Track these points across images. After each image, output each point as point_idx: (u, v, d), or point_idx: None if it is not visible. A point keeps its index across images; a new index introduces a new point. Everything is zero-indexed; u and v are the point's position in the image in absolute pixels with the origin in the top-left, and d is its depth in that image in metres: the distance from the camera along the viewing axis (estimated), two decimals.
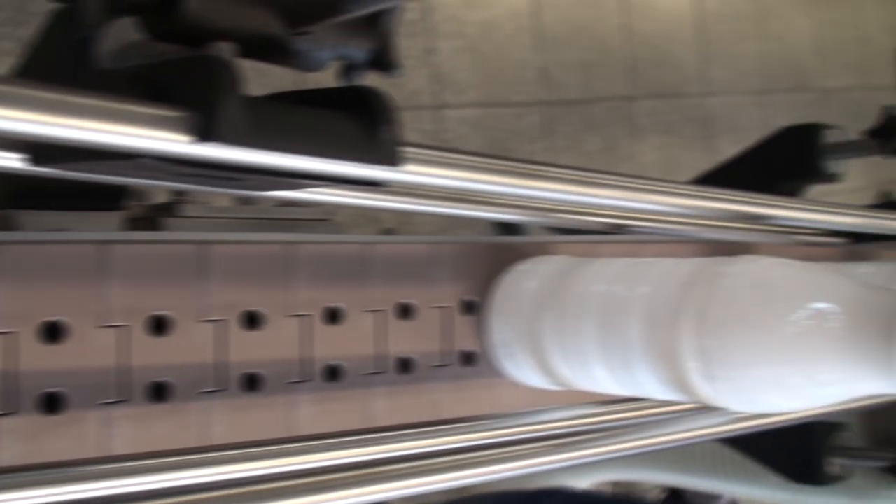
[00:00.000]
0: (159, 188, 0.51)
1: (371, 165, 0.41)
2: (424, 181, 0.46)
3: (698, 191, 0.64)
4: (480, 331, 0.68)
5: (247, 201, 0.67)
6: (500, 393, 0.70)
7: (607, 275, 0.63)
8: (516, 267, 0.69)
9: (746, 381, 0.55)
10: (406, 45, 1.90)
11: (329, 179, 0.40)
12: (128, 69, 0.39)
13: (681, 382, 0.58)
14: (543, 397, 0.72)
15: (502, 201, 0.62)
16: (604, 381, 0.63)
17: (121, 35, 0.42)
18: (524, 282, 0.67)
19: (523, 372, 0.67)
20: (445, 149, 0.47)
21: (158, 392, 0.52)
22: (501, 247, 0.70)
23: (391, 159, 0.41)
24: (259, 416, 0.57)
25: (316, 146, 0.39)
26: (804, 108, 3.05)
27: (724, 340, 0.55)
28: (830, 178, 1.16)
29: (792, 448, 1.18)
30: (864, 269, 0.98)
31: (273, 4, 0.42)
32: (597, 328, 0.61)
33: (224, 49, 0.42)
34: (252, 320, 0.56)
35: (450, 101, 2.00)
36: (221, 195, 0.56)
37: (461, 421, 0.59)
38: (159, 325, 0.53)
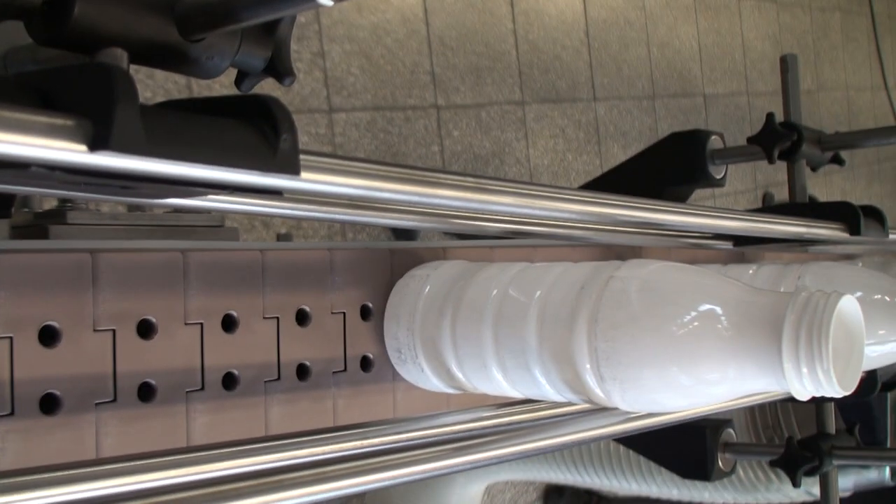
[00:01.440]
0: (49, 196, 0.50)
1: (271, 174, 0.40)
2: (324, 189, 0.46)
3: (590, 196, 0.65)
4: (378, 336, 0.68)
5: (138, 208, 0.66)
6: (398, 398, 0.70)
7: (503, 279, 0.64)
8: (412, 272, 0.70)
9: (637, 381, 0.56)
10: (297, 48, 1.89)
11: (228, 188, 0.40)
12: (15, 76, 0.38)
13: (575, 384, 0.59)
14: (441, 401, 0.72)
15: (399, 207, 0.62)
16: (501, 383, 0.64)
17: (7, 40, 0.41)
18: (420, 286, 0.68)
19: (421, 376, 0.68)
20: (344, 157, 0.47)
21: (47, 405, 0.51)
22: (398, 252, 0.70)
23: (291, 168, 0.41)
24: (151, 426, 0.56)
25: (214, 155, 0.39)
26: (688, 113, 3.13)
27: (615, 342, 0.56)
28: (716, 182, 1.19)
29: (682, 445, 1.22)
30: (746, 271, 1.01)
31: (166, 10, 0.42)
32: (494, 332, 0.62)
33: (116, 55, 0.41)
34: (146, 330, 0.56)
35: (342, 104, 1.99)
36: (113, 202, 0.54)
37: (358, 427, 0.59)
38: (51, 336, 0.51)
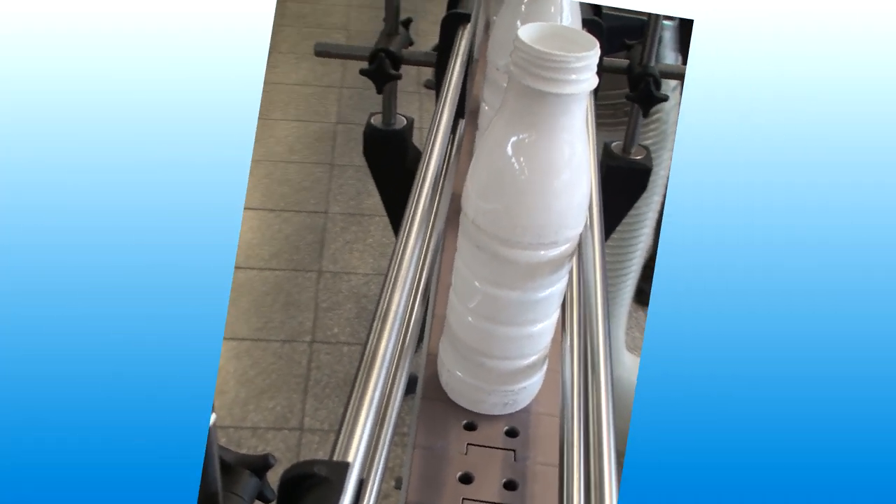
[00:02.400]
0: None
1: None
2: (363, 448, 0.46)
3: (413, 216, 0.65)
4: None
5: None
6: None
7: (458, 307, 0.65)
8: (443, 384, 0.71)
9: (560, 216, 0.56)
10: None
11: None
12: None
13: (551, 266, 0.59)
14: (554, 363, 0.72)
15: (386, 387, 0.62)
16: (546, 328, 0.65)
17: None
18: (456, 379, 0.69)
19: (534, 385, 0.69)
20: (343, 422, 0.47)
21: None
22: (426, 400, 0.70)
23: (344, 469, 0.41)
24: None
25: None
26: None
27: (517, 226, 0.56)
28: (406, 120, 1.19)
29: (618, 189, 1.22)
30: (487, 117, 1.02)
31: None
32: (494, 321, 0.63)
33: None
34: None
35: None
36: None
37: None
38: None
